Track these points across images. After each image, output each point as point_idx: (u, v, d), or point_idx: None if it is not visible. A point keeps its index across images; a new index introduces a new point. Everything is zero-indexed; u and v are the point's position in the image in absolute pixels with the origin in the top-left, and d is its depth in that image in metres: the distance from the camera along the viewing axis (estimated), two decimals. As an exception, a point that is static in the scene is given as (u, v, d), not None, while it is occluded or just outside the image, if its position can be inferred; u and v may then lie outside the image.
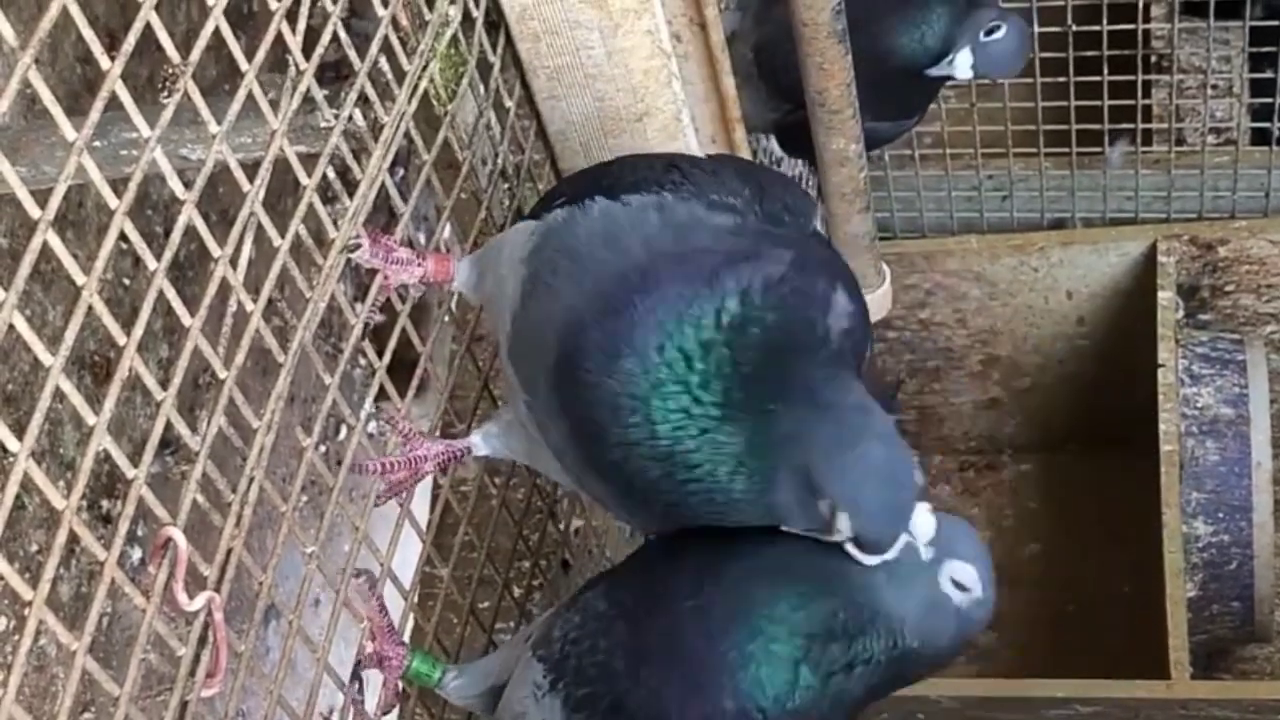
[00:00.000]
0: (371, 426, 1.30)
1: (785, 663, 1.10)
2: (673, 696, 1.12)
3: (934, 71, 1.81)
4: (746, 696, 1.10)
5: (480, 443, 1.31)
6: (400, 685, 1.32)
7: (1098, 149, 2.46)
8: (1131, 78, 2.38)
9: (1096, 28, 2.30)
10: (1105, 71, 2.34)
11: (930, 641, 1.13)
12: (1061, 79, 2.36)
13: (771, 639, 1.10)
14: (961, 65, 1.79)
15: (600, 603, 1.19)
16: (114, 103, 0.95)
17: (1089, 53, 2.33)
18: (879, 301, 1.84)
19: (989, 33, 1.79)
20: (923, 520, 1.12)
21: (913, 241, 2.48)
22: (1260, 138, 2.51)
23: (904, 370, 2.56)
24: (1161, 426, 2.13)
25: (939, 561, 1.13)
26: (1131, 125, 2.42)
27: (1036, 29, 2.31)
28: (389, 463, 1.27)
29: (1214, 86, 2.47)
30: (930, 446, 2.63)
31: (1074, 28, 2.29)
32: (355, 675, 1.28)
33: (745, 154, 1.66)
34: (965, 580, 1.12)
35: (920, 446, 2.64)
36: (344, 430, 1.28)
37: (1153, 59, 2.50)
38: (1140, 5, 2.37)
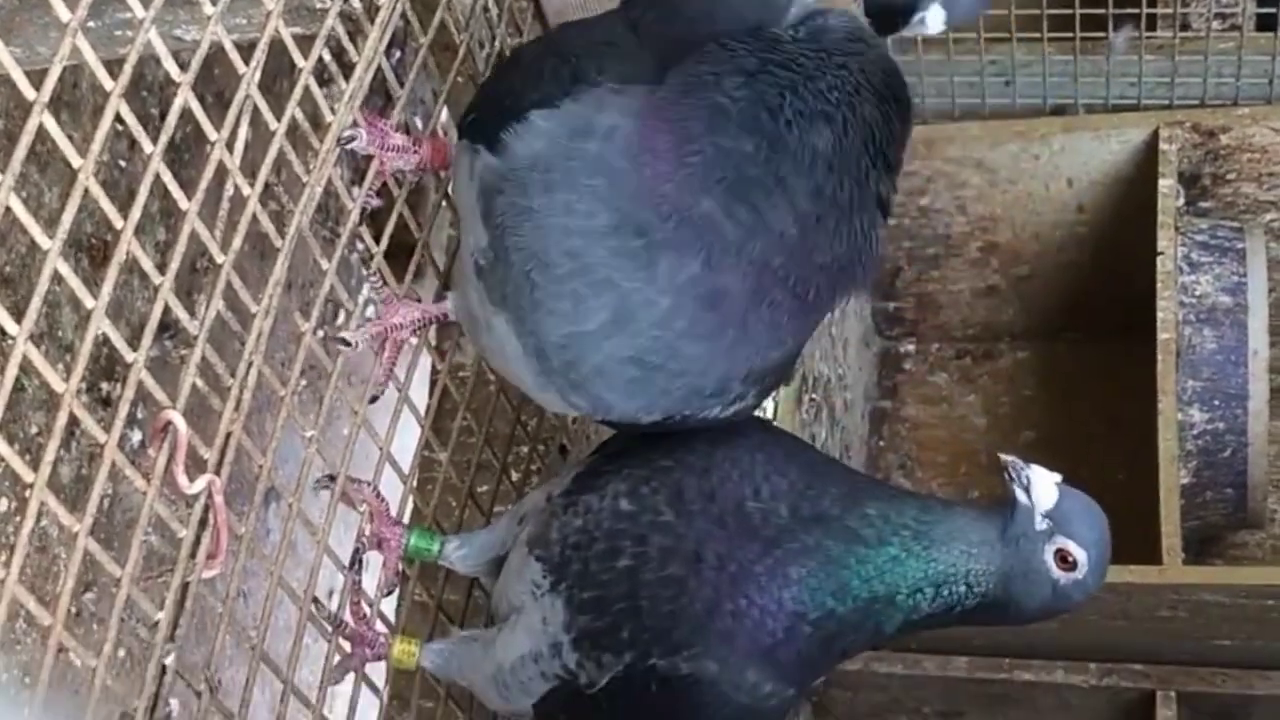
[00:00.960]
0: (369, 311, 1.30)
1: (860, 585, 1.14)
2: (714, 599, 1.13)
3: (907, 32, 1.77)
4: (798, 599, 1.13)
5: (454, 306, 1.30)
6: (400, 565, 1.33)
7: (1102, 34, 2.43)
8: (1138, -37, 2.35)
9: (1103, -86, 2.27)
10: (1110, -44, 2.31)
11: (1018, 603, 1.17)
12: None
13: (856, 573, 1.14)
14: (934, 21, 1.74)
15: (614, 501, 1.19)
16: (107, -18, 0.95)
17: (1094, -64, 2.30)
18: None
19: None
20: (1044, 488, 1.15)
21: (913, 128, 2.46)
22: (1266, 24, 2.48)
23: (903, 257, 2.56)
24: (1159, 314, 2.13)
25: (1051, 534, 1.15)
26: (1136, 10, 2.39)
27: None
28: (366, 333, 1.26)
29: (1220, -29, 2.44)
30: (928, 334, 2.64)
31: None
32: (355, 558, 1.29)
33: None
34: (1072, 559, 1.15)
35: (918, 334, 2.64)
36: (342, 315, 1.28)
37: (1159, -56, 2.46)
38: (1147, -110, 2.33)
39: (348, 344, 1.24)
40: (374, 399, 1.28)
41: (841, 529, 1.14)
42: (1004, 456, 1.17)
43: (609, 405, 1.12)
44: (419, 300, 1.30)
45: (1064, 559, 1.14)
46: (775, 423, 1.78)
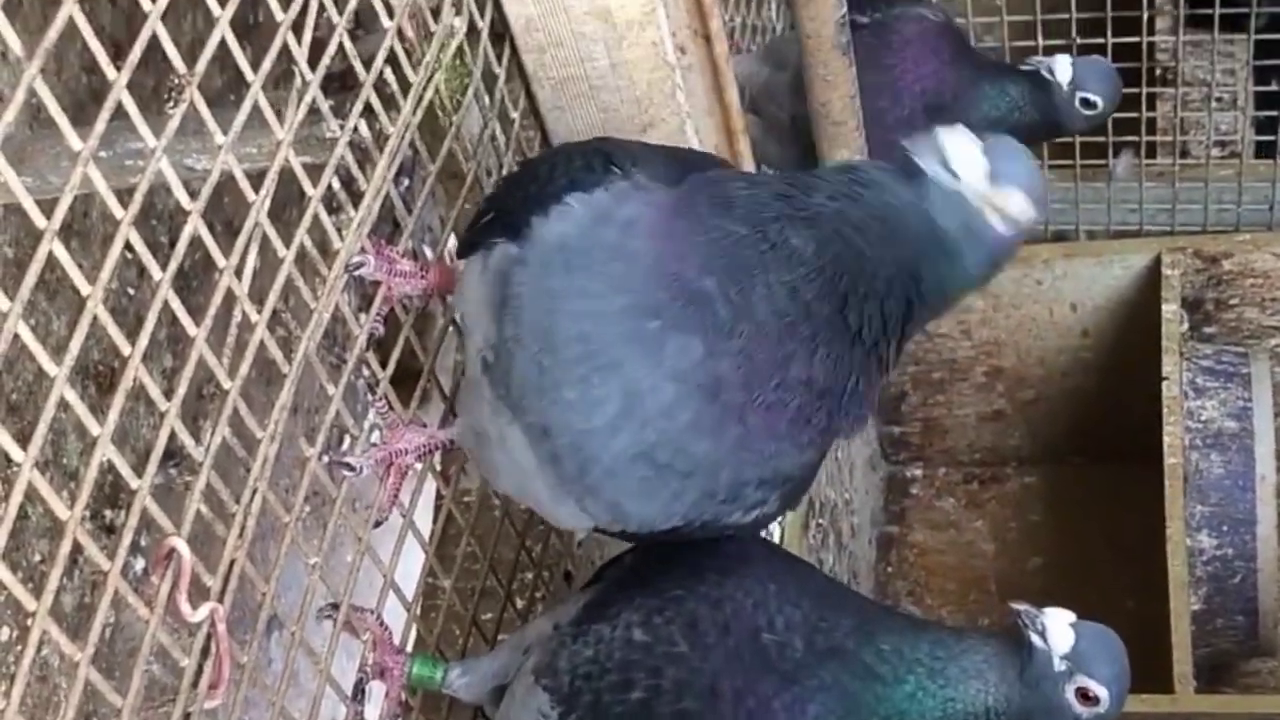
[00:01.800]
0: (375, 437, 1.29)
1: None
2: None
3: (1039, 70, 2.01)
4: None
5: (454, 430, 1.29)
6: (403, 694, 1.32)
7: (1102, 161, 2.46)
8: (1136, 90, 2.39)
9: (1101, 40, 2.31)
10: (1110, 84, 2.33)
11: None
12: (1066, 93, 2.35)
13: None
14: (1062, 66, 1.99)
15: (627, 631, 1.17)
16: (120, 113, 0.96)
17: (1094, 65, 2.33)
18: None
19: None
20: (1060, 632, 1.14)
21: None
22: (1265, 151, 2.51)
23: (908, 382, 2.56)
24: (1166, 439, 2.13)
25: (1070, 674, 1.15)
26: (1136, 138, 2.42)
27: (1041, 42, 2.32)
28: (370, 458, 1.26)
29: (1218, 99, 2.47)
30: (935, 458, 2.63)
31: (1078, 40, 2.29)
32: (358, 688, 1.28)
33: (749, 165, 1.67)
34: (1094, 695, 1.15)
35: (924, 458, 2.64)
36: (347, 441, 1.28)
37: (1157, 71, 2.50)
38: (1145, 18, 2.37)
39: (352, 469, 1.24)
40: (378, 524, 1.28)
41: (858, 664, 1.13)
42: (1015, 605, 1.16)
43: (626, 513, 1.11)
44: (425, 426, 1.30)
45: (1085, 696, 1.14)
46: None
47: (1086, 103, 1.97)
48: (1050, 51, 2.31)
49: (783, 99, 1.92)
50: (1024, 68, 1.99)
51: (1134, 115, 2.38)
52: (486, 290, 1.13)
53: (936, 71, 1.94)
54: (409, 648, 1.36)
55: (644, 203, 1.10)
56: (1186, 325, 2.34)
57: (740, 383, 1.06)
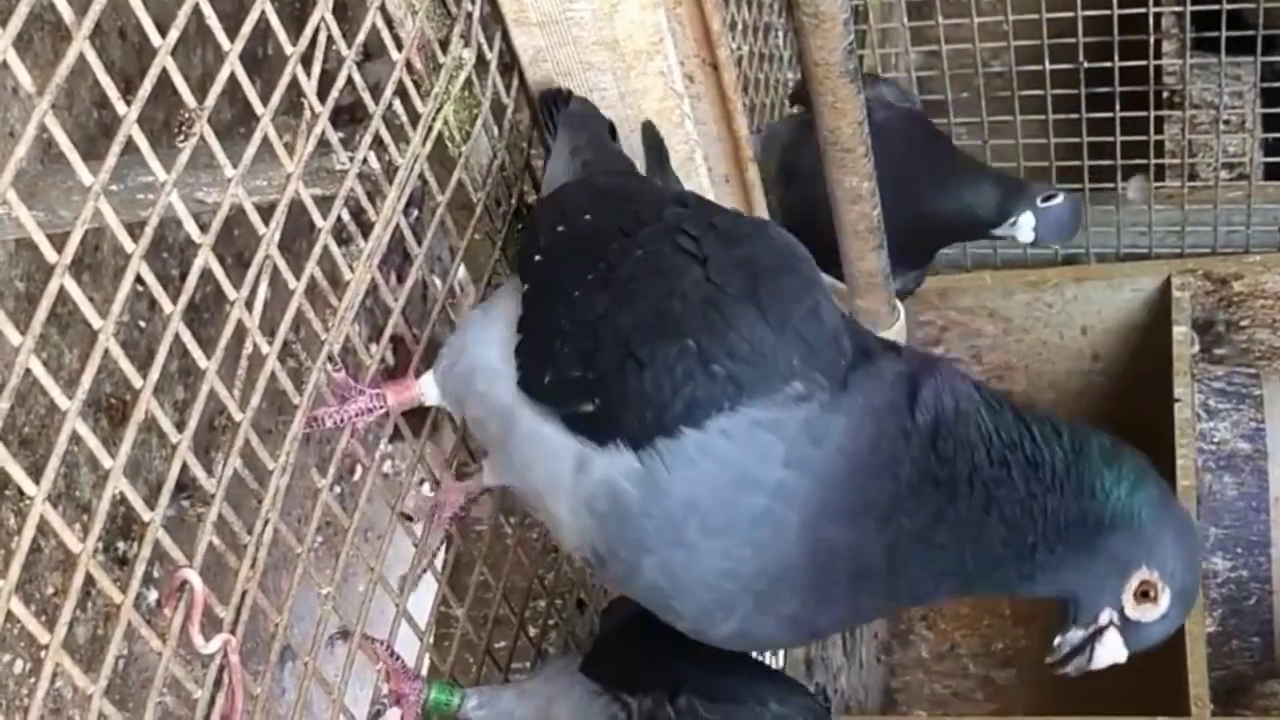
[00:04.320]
0: (386, 467, 1.30)
1: None
2: None
3: (998, 231, 1.97)
4: None
5: (488, 477, 1.28)
6: None
7: (1110, 184, 2.46)
8: (1144, 113, 2.39)
9: (1109, 64, 2.31)
10: (1118, 107, 2.34)
11: None
12: (1074, 115, 2.36)
13: None
14: (1024, 228, 1.95)
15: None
16: (130, 147, 0.96)
17: (1101, 89, 2.34)
18: (894, 337, 1.84)
19: (1046, 199, 1.94)
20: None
21: (928, 279, 2.48)
22: (1273, 172, 2.52)
23: (919, 407, 2.56)
24: (1178, 461, 2.12)
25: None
26: (1144, 161, 2.43)
27: (1048, 66, 2.32)
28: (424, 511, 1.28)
29: (1226, 122, 2.48)
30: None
31: (1086, 64, 2.30)
32: (373, 718, 1.28)
33: (758, 193, 1.67)
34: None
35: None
36: (359, 470, 1.28)
37: (1165, 95, 2.50)
38: (1152, 41, 2.37)
39: (410, 519, 1.29)
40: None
41: None
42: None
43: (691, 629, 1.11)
44: (467, 478, 1.32)
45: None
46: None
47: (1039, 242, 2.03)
48: (1056, 77, 2.32)
49: (770, 185, 1.92)
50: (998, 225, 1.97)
51: (1142, 139, 2.38)
52: (584, 495, 1.06)
53: (903, 165, 1.86)
54: (423, 674, 1.36)
55: (797, 465, 1.00)
56: (1197, 347, 2.34)
57: (832, 624, 1.17)
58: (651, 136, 1.43)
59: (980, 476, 1.01)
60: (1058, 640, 1.09)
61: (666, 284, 1.05)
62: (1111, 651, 1.07)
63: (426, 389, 1.24)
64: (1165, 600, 1.05)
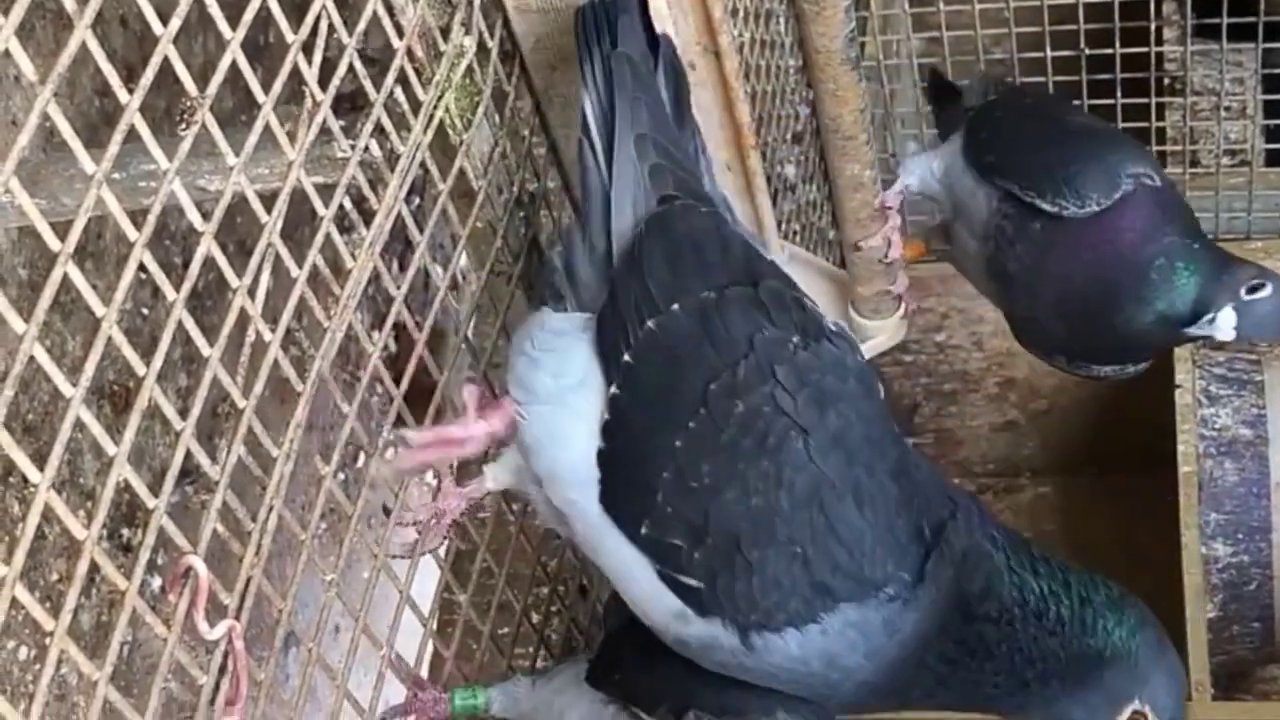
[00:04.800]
0: (389, 454, 1.30)
1: None
2: None
3: (1193, 330, 1.65)
4: None
5: (491, 483, 1.31)
6: None
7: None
8: (1145, 100, 2.39)
9: (1109, 51, 2.31)
10: (1119, 95, 2.34)
11: None
12: (1075, 102, 2.36)
13: None
14: (1224, 325, 1.61)
15: None
16: (132, 135, 0.96)
17: (1102, 76, 2.33)
18: (895, 326, 1.85)
19: (1252, 290, 1.61)
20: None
21: (928, 265, 2.48)
22: (1275, 159, 2.51)
23: (920, 394, 2.56)
24: (1180, 448, 2.13)
25: None
26: (1145, 148, 2.42)
27: (1050, 53, 2.32)
28: (419, 519, 1.29)
29: (1228, 109, 2.47)
30: (947, 470, 2.63)
31: (1087, 51, 2.29)
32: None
33: (760, 180, 1.67)
34: None
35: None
36: (362, 457, 1.29)
37: (1166, 82, 2.50)
38: (1153, 28, 2.37)
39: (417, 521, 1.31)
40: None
41: None
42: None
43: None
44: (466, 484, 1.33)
45: None
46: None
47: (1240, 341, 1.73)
48: (1057, 64, 2.32)
49: (974, 267, 1.78)
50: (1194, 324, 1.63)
51: (1143, 125, 2.38)
52: (668, 630, 1.18)
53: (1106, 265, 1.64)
54: (426, 663, 1.37)
55: (870, 656, 1.15)
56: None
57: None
58: (675, 69, 1.33)
59: (986, 645, 1.16)
60: None
61: (774, 468, 1.13)
62: None
63: (491, 482, 1.30)
64: None
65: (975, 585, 1.15)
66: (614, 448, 1.17)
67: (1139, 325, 1.62)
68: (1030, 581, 1.16)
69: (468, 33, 1.37)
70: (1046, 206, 1.61)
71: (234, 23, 1.06)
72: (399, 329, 1.33)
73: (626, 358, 1.18)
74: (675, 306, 1.18)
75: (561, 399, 1.20)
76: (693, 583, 1.14)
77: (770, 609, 1.12)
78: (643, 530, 1.15)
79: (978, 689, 1.17)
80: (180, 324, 1.01)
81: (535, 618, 1.56)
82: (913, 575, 1.14)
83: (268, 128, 1.11)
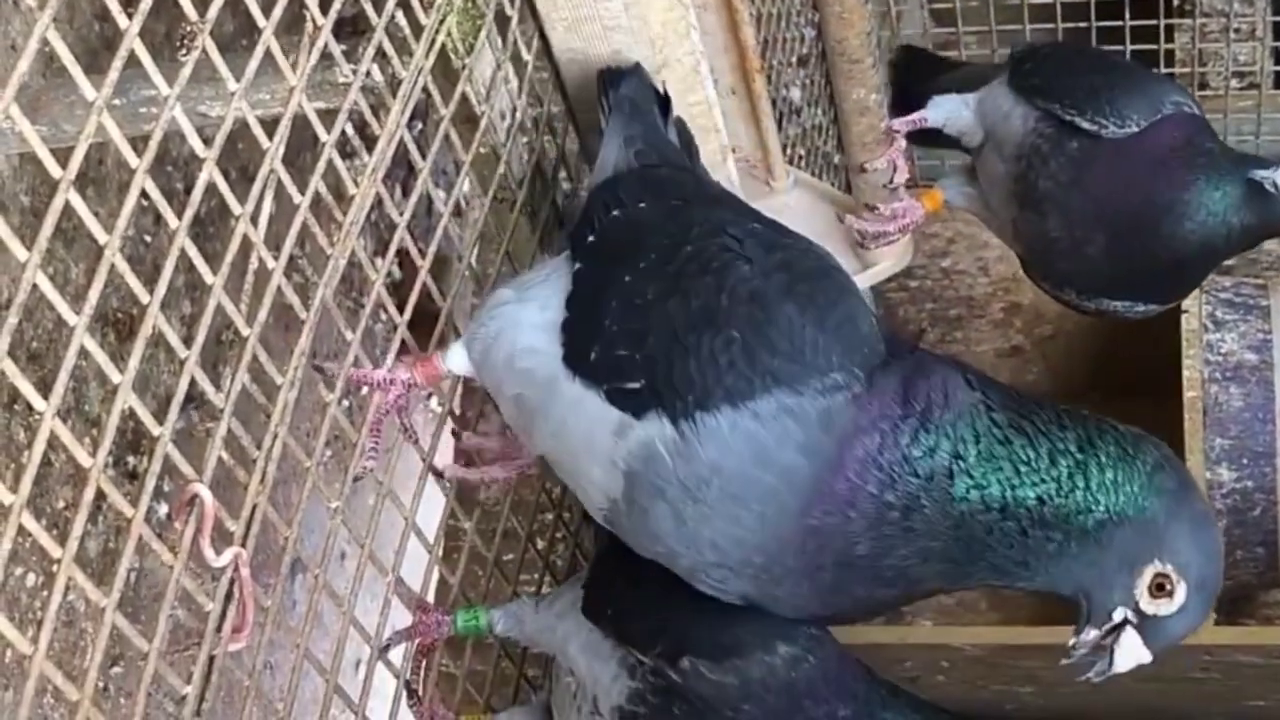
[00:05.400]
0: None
1: None
2: None
3: (1261, 175, 1.59)
4: None
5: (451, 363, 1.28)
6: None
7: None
8: (1154, 22, 2.37)
9: (1118, -28, 2.29)
10: (1127, 16, 2.32)
11: None
12: (1083, 24, 2.34)
13: None
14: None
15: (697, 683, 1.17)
16: (132, 61, 0.96)
17: (1110, -3, 2.32)
18: (900, 250, 1.84)
19: None
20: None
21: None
22: (1284, 81, 2.49)
23: (926, 319, 2.56)
24: (1185, 373, 2.13)
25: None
26: (1155, 70, 2.40)
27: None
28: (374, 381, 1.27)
29: (1237, 30, 2.45)
30: (953, 395, 2.63)
31: (1095, -28, 2.27)
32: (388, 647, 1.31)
33: (765, 104, 1.66)
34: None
35: (942, 395, 2.64)
36: (365, 389, 1.28)
37: (1175, 2, 2.48)
38: (1162, -51, 2.35)
39: (440, 474, 1.33)
40: (356, 478, 1.28)
41: None
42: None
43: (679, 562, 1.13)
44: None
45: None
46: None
47: None
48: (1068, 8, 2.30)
49: (1000, 194, 1.75)
50: (1250, 176, 1.59)
51: (1152, 47, 2.36)
52: (621, 455, 1.10)
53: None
54: (432, 589, 1.37)
55: (807, 450, 1.05)
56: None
57: (823, 612, 1.14)
58: (684, 133, 1.46)
59: (965, 466, 1.03)
60: (1073, 641, 1.06)
61: (715, 280, 1.11)
62: (1132, 653, 1.04)
63: (454, 362, 1.26)
64: (1181, 593, 1.03)
65: (934, 393, 1.04)
66: (573, 311, 1.18)
67: (1177, 239, 1.59)
68: (1015, 427, 1.04)
69: (470, -45, 1.36)
70: (1086, 125, 1.61)
71: (233, -54, 1.05)
72: (402, 256, 1.33)
73: (590, 238, 1.22)
74: (642, 204, 1.24)
75: (523, 296, 1.22)
76: (633, 385, 1.10)
77: (706, 386, 1.06)
78: (591, 357, 1.13)
79: (964, 527, 1.03)
80: (183, 251, 1.01)
81: (540, 544, 1.57)
82: (864, 373, 1.06)
83: (268, 53, 1.10)
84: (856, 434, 1.04)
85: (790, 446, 1.05)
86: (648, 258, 1.16)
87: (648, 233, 1.20)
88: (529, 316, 1.20)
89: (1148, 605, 1.03)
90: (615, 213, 1.23)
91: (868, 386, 1.05)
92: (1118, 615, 1.04)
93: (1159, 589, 1.03)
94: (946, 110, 1.76)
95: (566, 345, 1.16)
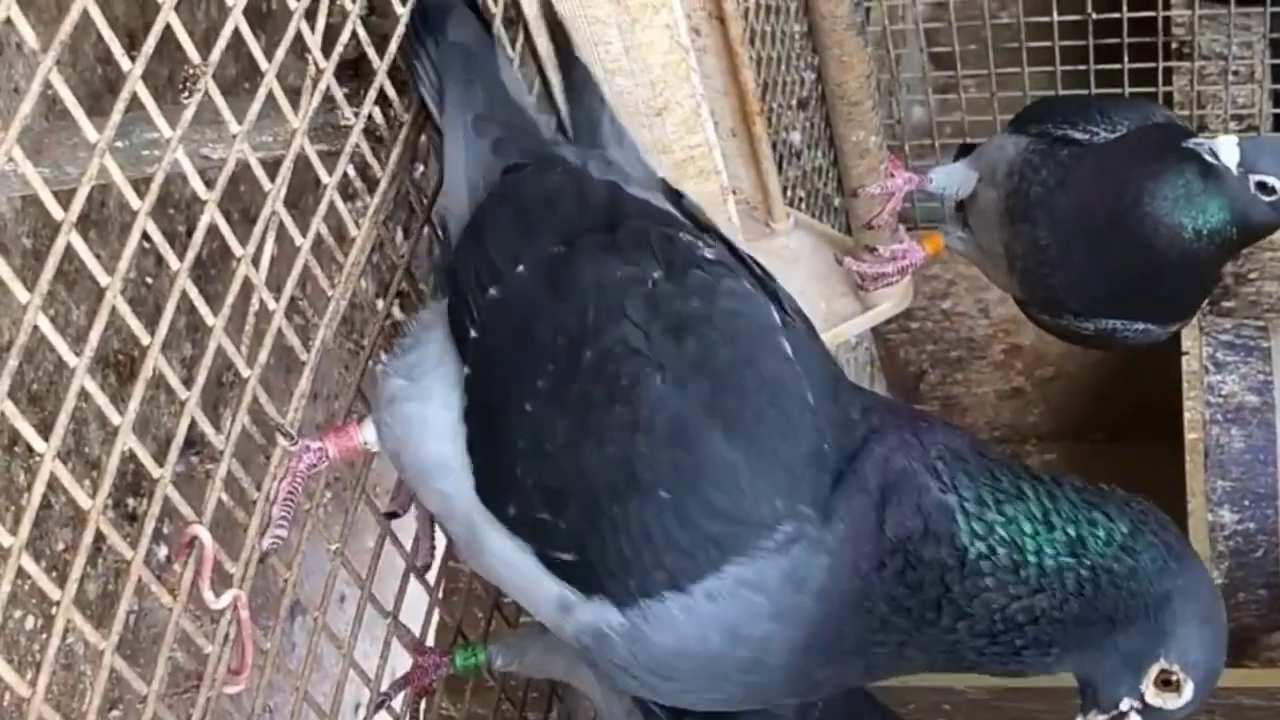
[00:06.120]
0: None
1: None
2: None
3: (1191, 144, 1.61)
4: None
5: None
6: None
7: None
8: (1153, 65, 2.38)
9: (1117, 15, 2.30)
10: (1126, 59, 2.33)
11: None
12: (1082, 67, 2.35)
13: None
14: (1226, 146, 1.59)
15: None
16: (135, 103, 0.96)
17: (1109, 40, 2.32)
18: (901, 292, 1.84)
19: (1261, 188, 1.58)
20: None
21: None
22: (1283, 124, 2.50)
23: (926, 361, 2.56)
24: (1186, 415, 2.13)
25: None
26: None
27: (1056, 18, 2.31)
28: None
29: (1235, 73, 2.46)
30: (953, 437, 2.63)
31: (1094, 15, 2.28)
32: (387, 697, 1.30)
33: (765, 146, 1.66)
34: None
35: (943, 437, 2.64)
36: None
37: (1173, 46, 2.49)
38: (1160, -8, 2.36)
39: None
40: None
41: None
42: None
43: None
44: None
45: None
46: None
47: (1264, 187, 1.57)
48: (1064, 28, 2.31)
49: (992, 220, 1.75)
50: (1185, 145, 1.60)
51: (1151, 90, 2.37)
52: (560, 630, 1.05)
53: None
54: (432, 631, 1.37)
55: (781, 618, 0.97)
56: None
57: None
58: (561, 39, 1.31)
59: (951, 598, 0.96)
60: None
61: (628, 412, 0.99)
62: None
63: (369, 436, 1.15)
64: (1189, 690, 1.01)
65: (909, 520, 0.96)
66: (474, 433, 1.05)
67: (1146, 227, 1.59)
68: (998, 520, 0.97)
69: (471, -1, 1.36)
70: (1078, 135, 1.64)
71: (236, -11, 1.05)
72: (403, 297, 1.33)
73: (473, 333, 1.07)
74: (520, 269, 1.07)
75: (421, 392, 1.10)
76: (566, 556, 1.00)
77: (645, 568, 0.96)
78: (510, 511, 1.02)
79: (955, 652, 0.99)
80: (184, 293, 1.01)
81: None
82: (816, 509, 0.96)
83: (271, 95, 1.10)
84: (833, 582, 0.97)
85: (761, 618, 0.97)
86: (545, 370, 1.02)
87: (538, 324, 1.04)
88: (433, 416, 1.08)
89: (1153, 699, 1.01)
90: (492, 292, 1.07)
91: (825, 520, 0.96)
92: (1124, 705, 1.02)
93: (1165, 684, 1.01)
94: (947, 176, 1.79)
95: (478, 477, 1.05)
